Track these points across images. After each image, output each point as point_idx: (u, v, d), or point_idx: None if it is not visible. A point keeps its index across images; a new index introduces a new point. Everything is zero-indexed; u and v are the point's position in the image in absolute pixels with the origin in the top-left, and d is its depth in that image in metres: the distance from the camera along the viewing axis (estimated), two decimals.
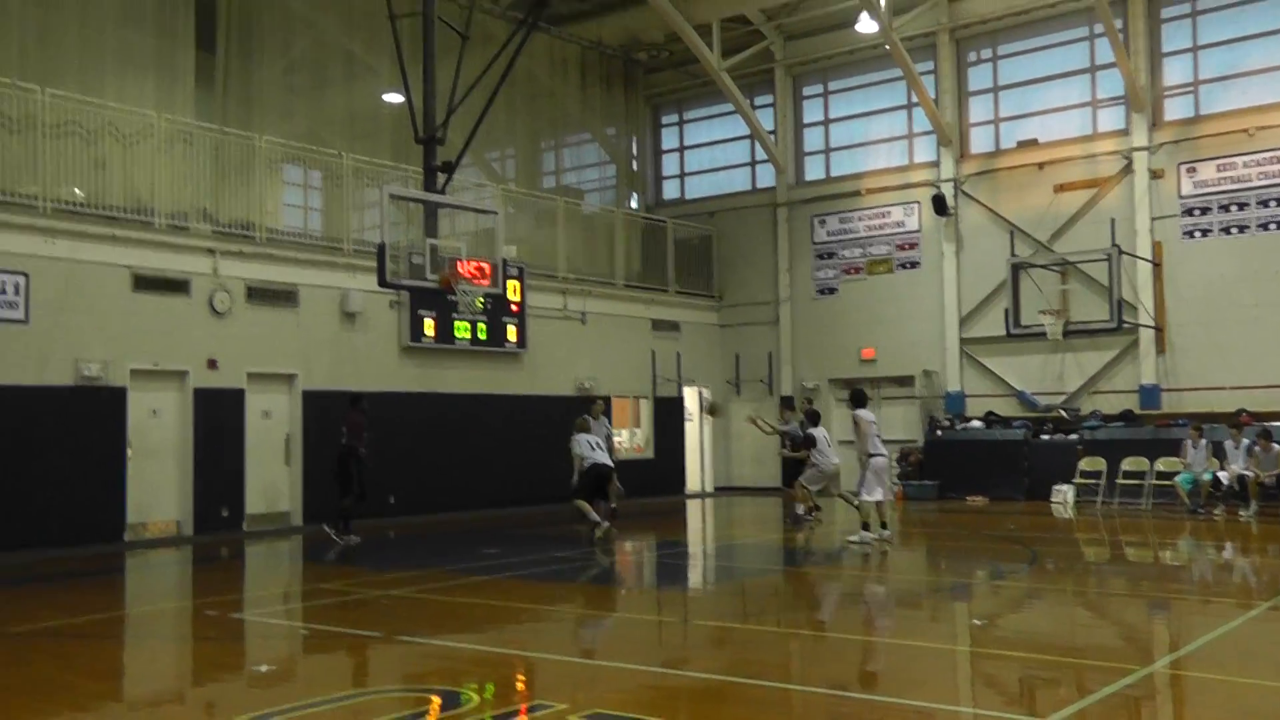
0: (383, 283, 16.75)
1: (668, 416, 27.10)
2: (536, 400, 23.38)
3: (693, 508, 24.97)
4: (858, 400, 17.09)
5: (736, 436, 28.67)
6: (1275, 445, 19.89)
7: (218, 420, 18.72)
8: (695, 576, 14.94)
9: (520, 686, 7.96)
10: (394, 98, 22.55)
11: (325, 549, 16.36)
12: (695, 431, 28.35)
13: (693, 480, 28.05)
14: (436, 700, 7.19)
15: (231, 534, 18.48)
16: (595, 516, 17.01)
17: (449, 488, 21.61)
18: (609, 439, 18.66)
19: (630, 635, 10.18)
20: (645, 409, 26.46)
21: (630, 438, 26.28)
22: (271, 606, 12.18)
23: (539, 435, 22.57)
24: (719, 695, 7.53)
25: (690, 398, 28.04)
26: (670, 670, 8.42)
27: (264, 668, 8.98)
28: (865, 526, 15.91)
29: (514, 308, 22.88)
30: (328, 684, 8.10)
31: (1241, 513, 19.76)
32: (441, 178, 19.28)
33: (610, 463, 17.96)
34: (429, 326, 21.50)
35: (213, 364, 18.73)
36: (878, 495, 16.17)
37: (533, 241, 24.63)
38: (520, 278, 22.87)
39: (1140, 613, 11.63)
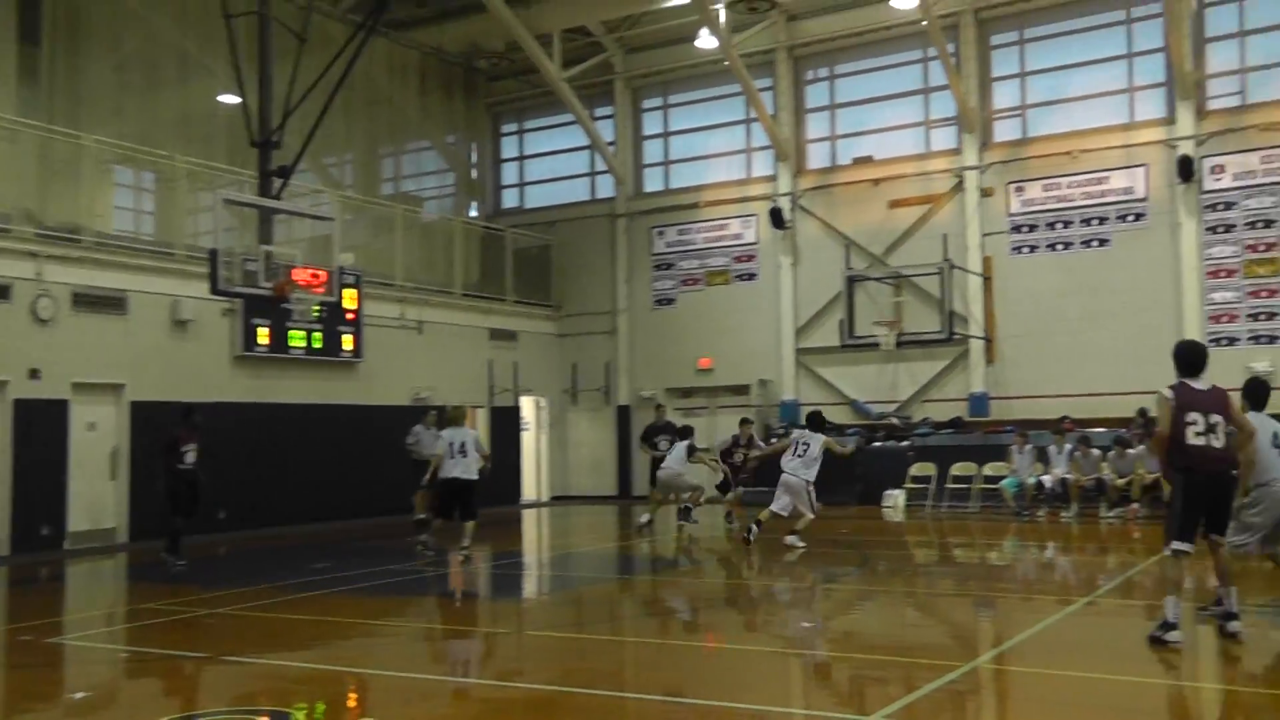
0: (215, 290, 16.36)
1: (505, 426, 26.97)
2: (372, 410, 22.98)
3: (529, 517, 24.90)
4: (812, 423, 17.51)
5: (573, 446, 28.72)
6: (1095, 450, 20.79)
7: (39, 433, 17.95)
8: (530, 587, 14.90)
9: (350, 704, 7.82)
10: (230, 99, 21.93)
11: (153, 568, 15.81)
12: (532, 441, 28.32)
13: (529, 490, 28.01)
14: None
15: (52, 553, 17.71)
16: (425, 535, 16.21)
17: (282, 501, 21.06)
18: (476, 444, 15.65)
19: (463, 648, 10.10)
20: (482, 419, 26.27)
21: None
22: (91, 629, 11.66)
23: (375, 446, 22.23)
24: (551, 706, 7.51)
25: (527, 407, 27.99)
26: (503, 682, 8.38)
27: (80, 695, 8.61)
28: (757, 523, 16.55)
29: (350, 316, 22.49)
30: (149, 709, 7.77)
31: (1063, 515, 20.59)
32: (277, 183, 18.91)
33: (470, 475, 15.43)
34: (263, 335, 20.93)
35: (35, 374, 17.98)
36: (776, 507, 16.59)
37: (370, 249, 24.29)
38: (357, 286, 22.50)
39: (966, 611, 12.02)
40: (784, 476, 16.63)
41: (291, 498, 21.24)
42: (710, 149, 28.35)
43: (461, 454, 15.29)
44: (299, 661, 9.21)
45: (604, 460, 28.39)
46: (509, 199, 31.28)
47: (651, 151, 29.29)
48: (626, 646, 9.99)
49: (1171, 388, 9.06)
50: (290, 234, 21.33)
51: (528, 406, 28.11)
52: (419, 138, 29.61)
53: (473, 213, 30.32)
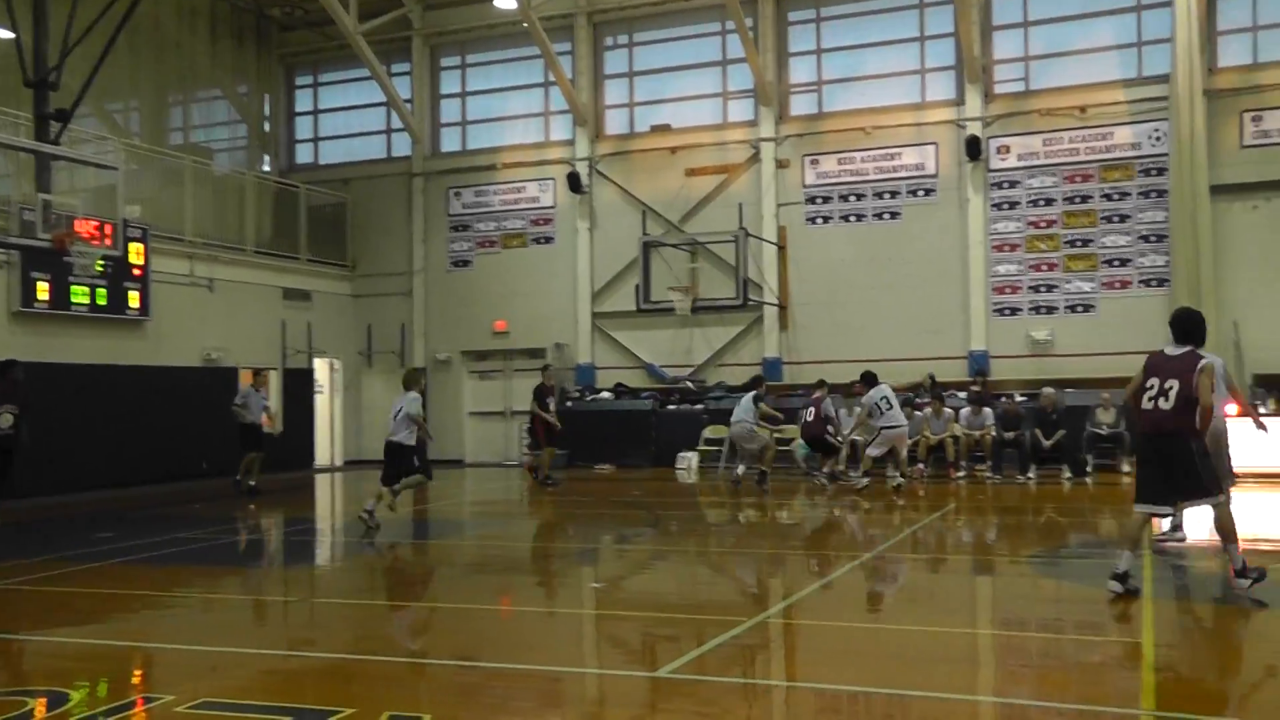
0: None
1: (298, 388, 26.40)
2: (162, 371, 22.17)
3: (323, 482, 24.53)
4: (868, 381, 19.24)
5: (368, 409, 28.34)
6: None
7: None
8: (323, 553, 14.71)
9: (135, 680, 7.61)
10: (1, 33, 20.74)
11: None
12: (326, 404, 27.83)
13: (322, 454, 27.51)
14: (41, 701, 6.75)
15: None
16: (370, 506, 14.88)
17: (65, 468, 19.88)
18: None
19: (253, 618, 9.93)
20: (275, 381, 25.64)
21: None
22: None
23: (164, 409, 21.51)
24: (343, 674, 7.47)
25: (321, 369, 27.48)
26: (294, 652, 8.28)
27: None
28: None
29: (136, 272, 21.62)
30: None
31: (853, 475, 21.27)
32: (55, 127, 18.05)
33: (397, 439, 15.04)
34: (42, 290, 19.82)
35: None
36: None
37: (158, 202, 23.28)
38: (144, 240, 21.65)
39: (756, 568, 12.40)
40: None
41: (76, 464, 20.12)
42: (508, 111, 28.20)
43: (394, 419, 15.16)
44: (79, 638, 8.85)
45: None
46: (303, 154, 30.53)
47: (449, 111, 28.98)
48: (419, 612, 9.99)
49: (1149, 356, 9.61)
50: (72, 183, 20.40)
51: (322, 369, 27.58)
52: (209, 86, 28.52)
53: (266, 167, 29.51)
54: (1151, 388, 9.23)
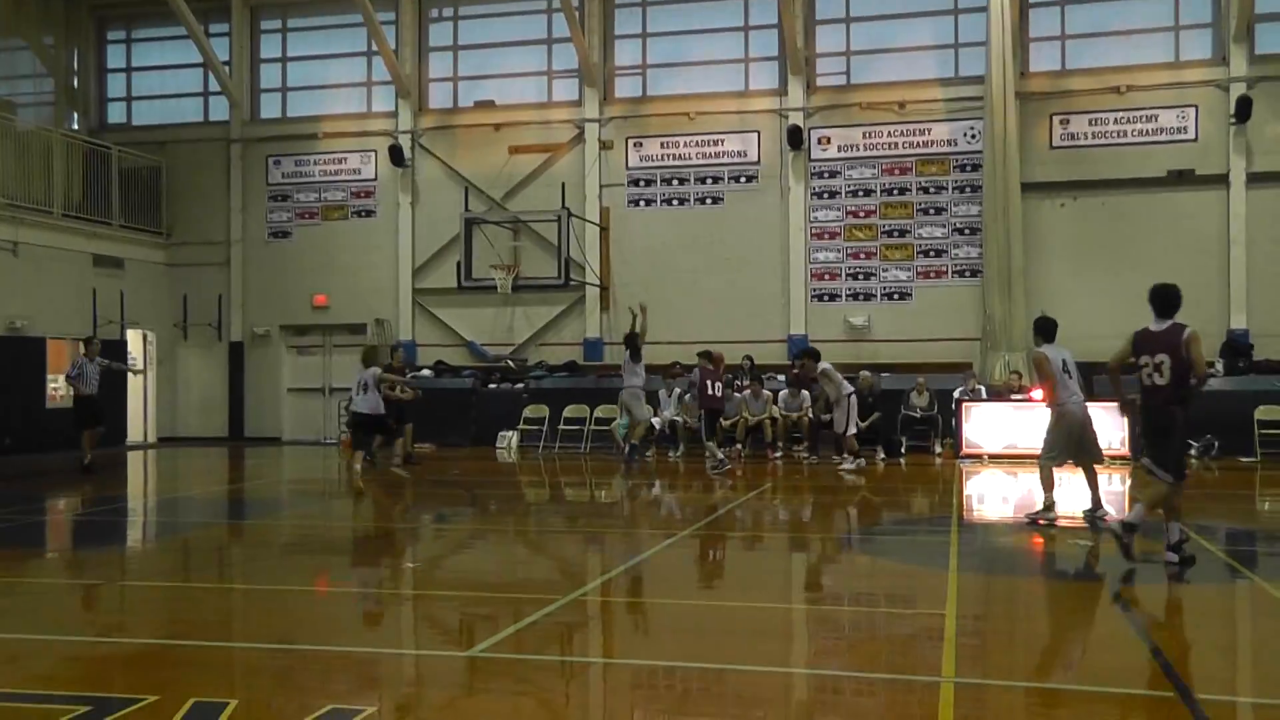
0: None
1: (111, 361, 25.37)
2: None
3: (134, 460, 23.73)
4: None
5: (183, 384, 27.54)
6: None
7: None
8: (133, 534, 14.24)
9: None
10: None
11: None
12: (138, 379, 26.85)
13: (135, 431, 26.53)
14: None
15: None
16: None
17: None
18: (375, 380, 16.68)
19: (58, 603, 9.57)
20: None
21: (66, 384, 24.41)
22: None
23: None
24: (148, 661, 7.28)
25: (134, 341, 26.50)
26: (101, 639, 8.03)
27: None
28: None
29: None
30: None
31: (671, 454, 21.64)
32: None
33: (365, 410, 16.83)
34: None
35: None
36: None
37: None
38: None
39: (573, 546, 12.52)
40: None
41: None
42: (330, 79, 27.68)
43: (363, 391, 16.65)
44: None
45: (215, 400, 27.39)
46: (115, 113, 29.37)
47: (269, 76, 28.25)
48: (234, 594, 9.78)
49: (1135, 333, 10.04)
50: None
51: (135, 340, 26.56)
52: (10, 35, 27.15)
53: (74, 126, 28.29)
54: (1145, 365, 9.78)
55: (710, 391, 19.14)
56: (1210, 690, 6.39)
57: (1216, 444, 20.51)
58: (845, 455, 19.28)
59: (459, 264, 24.44)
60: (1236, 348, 22.30)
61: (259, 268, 27.58)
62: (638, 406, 20.01)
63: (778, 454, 21.39)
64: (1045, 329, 12.99)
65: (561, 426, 23.38)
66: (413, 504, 16.06)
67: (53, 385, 23.14)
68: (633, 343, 19.91)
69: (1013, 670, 7.12)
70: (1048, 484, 12.51)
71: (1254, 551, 12.00)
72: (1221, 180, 22.87)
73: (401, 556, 11.88)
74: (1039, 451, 12.84)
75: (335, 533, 13.92)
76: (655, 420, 22.10)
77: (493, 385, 24.93)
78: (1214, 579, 9.98)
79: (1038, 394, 20.98)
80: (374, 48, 26.47)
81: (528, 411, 23.93)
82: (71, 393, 19.69)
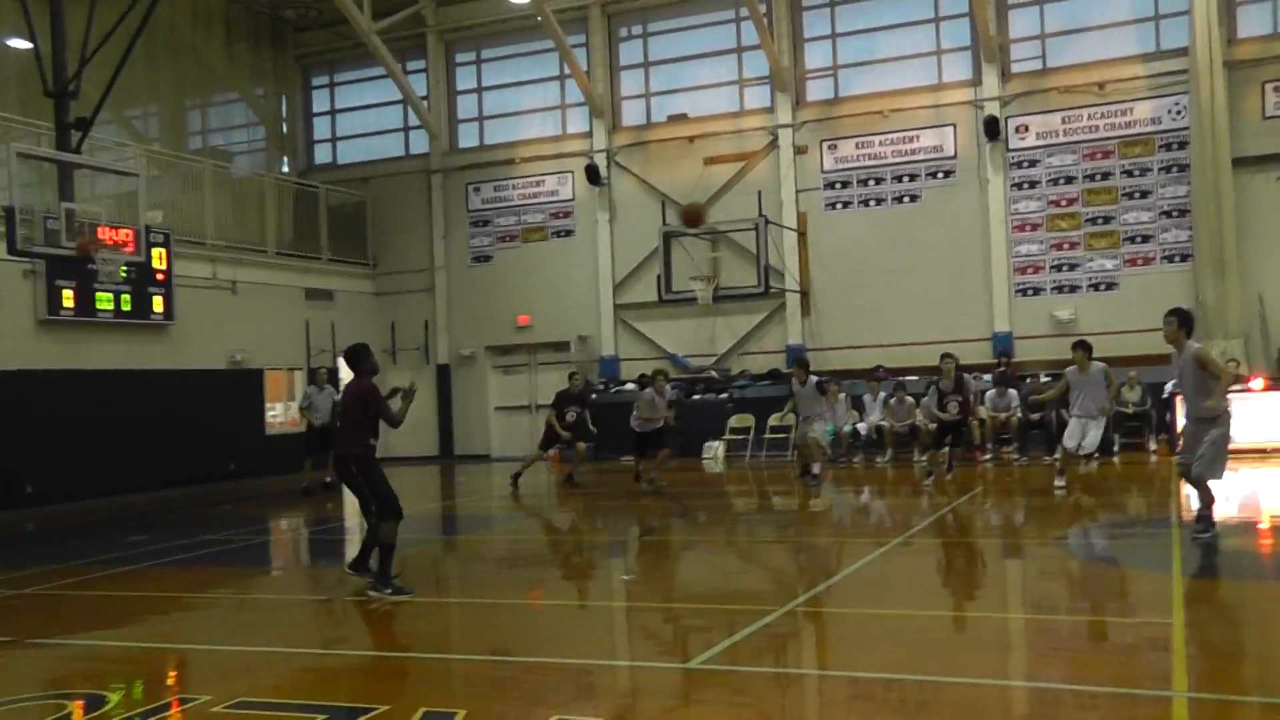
0: (13, 250, 15.64)
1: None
2: (187, 375, 22.13)
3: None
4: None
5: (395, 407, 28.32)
6: (909, 398, 21.52)
7: None
8: (352, 552, 14.70)
9: (170, 681, 7.66)
10: (20, 44, 20.72)
11: None
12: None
13: None
14: (79, 704, 6.81)
15: None
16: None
17: (93, 473, 19.69)
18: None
19: (286, 618, 9.96)
20: (300, 381, 25.69)
21: (285, 411, 25.47)
22: None
23: (190, 412, 21.53)
24: (375, 672, 7.51)
25: (345, 369, 27.38)
26: (328, 650, 8.32)
27: None
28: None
29: (160, 276, 21.59)
30: None
31: (878, 460, 21.32)
32: (76, 135, 18.13)
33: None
34: (68, 298, 19.69)
35: None
36: None
37: (179, 206, 23.34)
38: (166, 245, 21.63)
39: (785, 556, 12.40)
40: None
41: (103, 469, 19.98)
42: (525, 105, 28.21)
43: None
44: (114, 640, 8.93)
45: (425, 420, 28.12)
46: (321, 154, 30.61)
47: (465, 106, 28.99)
48: (450, 608, 10.02)
49: None
50: (94, 190, 20.44)
51: (346, 368, 27.50)
52: (227, 89, 28.63)
53: (284, 169, 29.59)
54: None
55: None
56: None
57: None
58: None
59: (659, 277, 24.57)
60: None
61: (462, 291, 28.29)
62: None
63: (987, 456, 20.84)
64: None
65: (767, 435, 23.24)
66: (621, 516, 16.18)
67: (271, 413, 24.15)
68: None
69: (1245, 683, 6.73)
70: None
71: None
72: None
73: (612, 568, 11.98)
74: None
75: (547, 544, 14.13)
76: (861, 426, 21.87)
77: (696, 396, 24.97)
78: None
79: (1257, 384, 20.02)
80: (566, 70, 26.91)
81: (733, 421, 23.88)
82: (304, 422, 20.53)
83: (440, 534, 15.75)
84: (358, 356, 10.83)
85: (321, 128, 30.69)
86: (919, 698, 6.49)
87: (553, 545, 14.31)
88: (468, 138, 28.88)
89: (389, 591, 9.64)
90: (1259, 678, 6.80)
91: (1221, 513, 12.78)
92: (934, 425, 18.29)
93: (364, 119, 30.08)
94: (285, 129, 30.15)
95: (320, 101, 30.70)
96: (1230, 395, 11.44)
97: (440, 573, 12.47)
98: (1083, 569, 10.60)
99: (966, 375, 18.35)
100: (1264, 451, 19.02)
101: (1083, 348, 15.37)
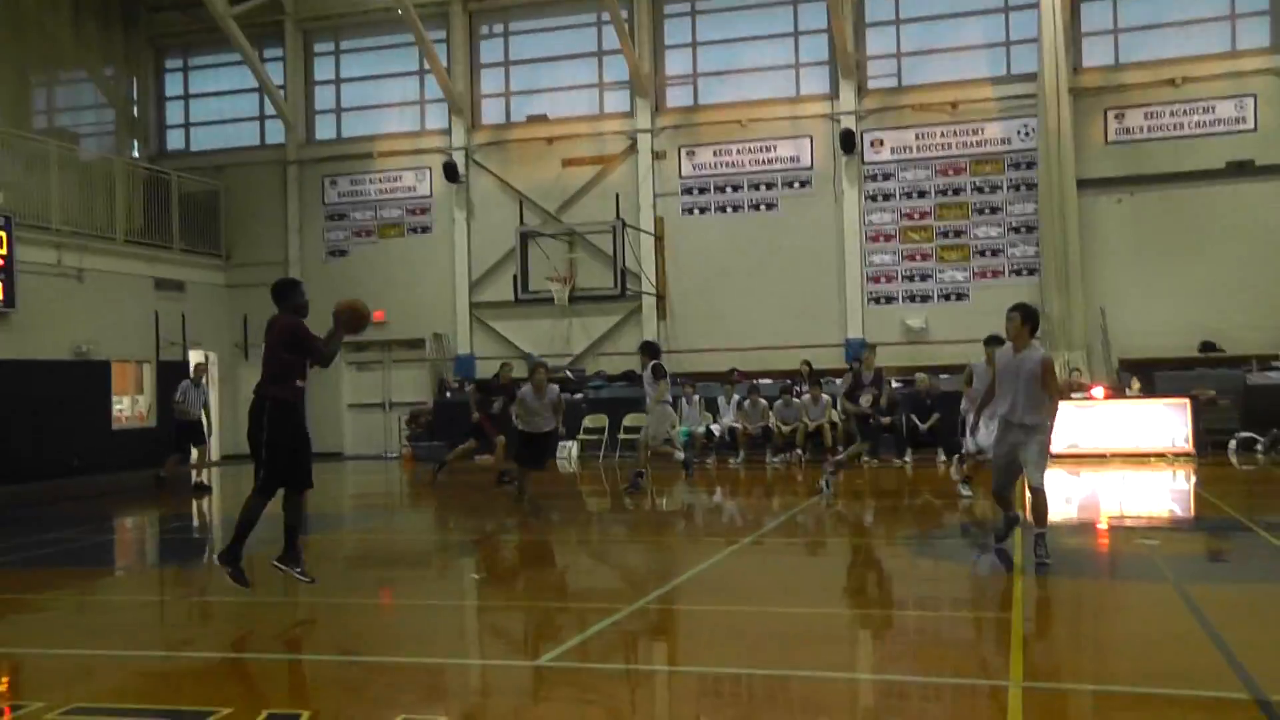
0: None
1: (172, 382, 25.61)
2: (28, 365, 21.34)
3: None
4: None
5: (245, 403, 27.72)
6: (762, 400, 21.94)
7: None
8: (201, 552, 14.44)
9: (1, 688, 7.41)
10: None
11: None
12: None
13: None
14: None
15: None
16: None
17: None
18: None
19: (129, 620, 9.71)
20: (148, 374, 25.02)
21: (132, 405, 24.78)
22: None
23: (31, 404, 20.78)
24: (219, 674, 7.40)
25: (196, 362, 26.72)
26: (172, 653, 8.15)
27: None
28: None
29: (0, 262, 20.95)
30: None
31: (731, 461, 21.66)
32: None
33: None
34: None
35: None
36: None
37: (22, 189, 22.49)
38: (7, 228, 20.90)
39: (637, 555, 12.52)
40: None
41: None
42: (384, 99, 27.96)
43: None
44: None
45: None
46: (174, 140, 29.85)
47: (323, 98, 28.59)
48: (299, 609, 9.88)
49: None
50: None
51: (196, 361, 26.82)
52: (74, 68, 27.63)
53: (135, 154, 28.77)
54: None
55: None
56: None
57: None
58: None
59: (515, 277, 24.58)
60: None
61: (317, 286, 27.48)
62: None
63: (839, 458, 21.26)
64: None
65: (621, 435, 23.40)
66: (473, 516, 16.14)
67: (118, 408, 23.51)
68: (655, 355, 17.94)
69: (1080, 673, 7.05)
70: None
71: None
72: None
73: (463, 567, 11.96)
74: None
75: (398, 546, 14.02)
76: (715, 427, 22.20)
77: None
78: None
79: (1098, 392, 20.91)
80: (426, 66, 26.70)
81: (587, 421, 23.99)
82: (176, 416, 20.01)
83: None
84: (286, 290, 9.88)
85: (174, 113, 29.90)
86: (767, 693, 6.65)
87: (404, 544, 14.20)
88: (325, 130, 28.49)
89: (229, 571, 9.36)
90: (1091, 668, 7.14)
91: (1062, 514, 13.35)
92: (845, 418, 18.40)
93: (219, 105, 29.41)
94: (136, 112, 29.31)
95: (173, 85, 29.90)
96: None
97: (287, 576, 12.25)
98: (928, 567, 10.92)
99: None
100: (1103, 456, 19.87)
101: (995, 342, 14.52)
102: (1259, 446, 20.49)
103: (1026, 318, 10.15)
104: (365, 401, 27.66)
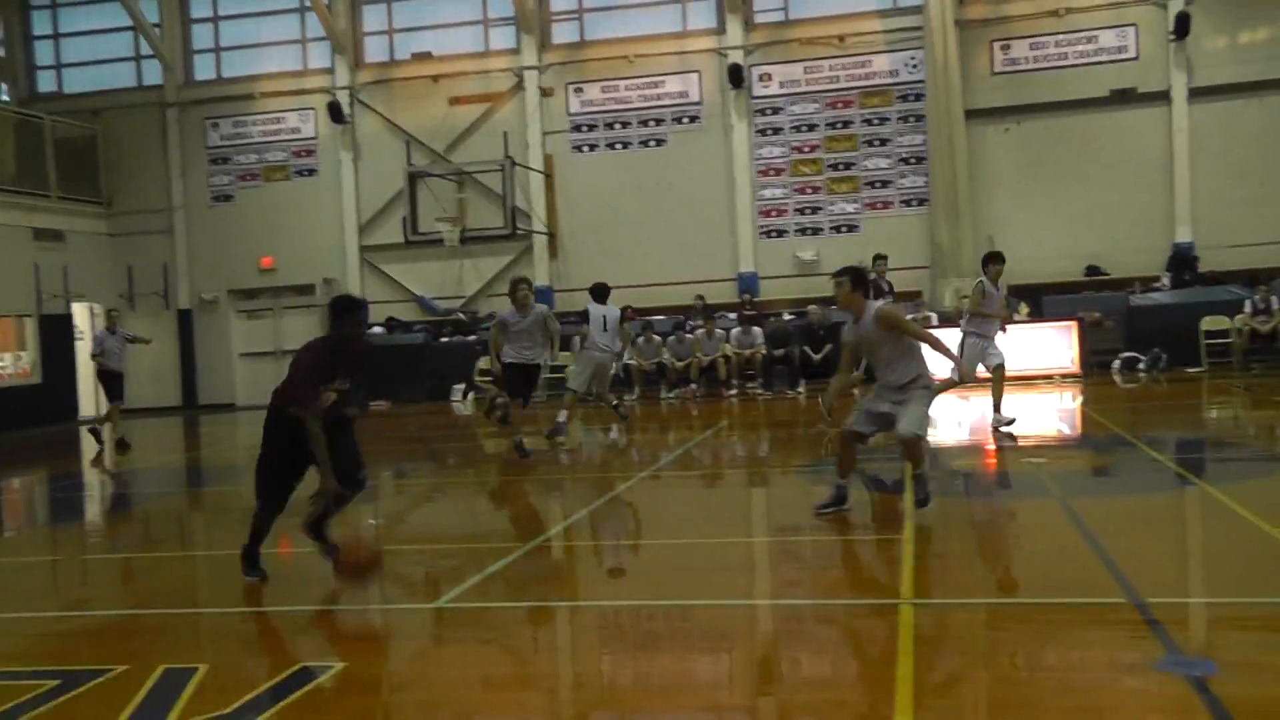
0: None
1: (56, 336, 25.05)
2: None
3: (87, 435, 23.43)
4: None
5: (132, 354, 27.14)
6: (656, 337, 22.04)
7: None
8: (94, 508, 14.18)
9: None
10: None
11: None
12: (87, 352, 26.45)
13: (86, 404, 26.05)
14: None
15: None
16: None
17: None
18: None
19: (22, 581, 9.51)
20: (30, 329, 24.31)
21: (15, 362, 24.06)
22: None
23: None
24: (115, 632, 7.29)
25: (80, 314, 26.09)
26: (68, 613, 8.02)
27: None
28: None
29: None
30: None
31: (626, 398, 21.70)
32: None
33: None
34: None
35: None
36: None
37: None
38: None
39: (534, 495, 12.52)
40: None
41: None
42: (264, 37, 27.25)
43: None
44: None
45: (166, 369, 27.09)
46: (45, 81, 28.77)
47: (201, 36, 27.75)
48: (196, 562, 9.77)
49: None
50: None
51: (81, 313, 26.13)
52: None
53: (3, 96, 27.74)
54: None
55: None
56: (1158, 593, 6.58)
57: (1164, 356, 20.91)
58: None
59: (404, 219, 24.31)
60: (1182, 260, 22.63)
61: (203, 233, 27.27)
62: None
63: (733, 391, 21.52)
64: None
65: None
66: (370, 462, 15.99)
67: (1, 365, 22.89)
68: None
69: (969, 588, 7.26)
70: None
71: (1203, 459, 12.26)
72: (1163, 97, 23.04)
73: (359, 513, 11.88)
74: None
75: (297, 495, 13.85)
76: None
77: (445, 339, 24.85)
78: (1165, 487, 10.22)
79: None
80: (307, 3, 26.09)
81: (481, 364, 23.86)
82: (95, 368, 19.28)
83: (185, 487, 15.28)
84: (338, 309, 7.85)
85: (44, 53, 28.79)
86: (668, 624, 6.73)
87: (298, 494, 14.04)
88: (204, 70, 27.73)
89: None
90: (979, 583, 7.40)
91: (953, 437, 13.63)
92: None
93: (91, 45, 28.36)
94: (3, 52, 28.22)
95: (41, 24, 28.70)
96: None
97: (185, 526, 12.12)
98: (822, 495, 11.08)
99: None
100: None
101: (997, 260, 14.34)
102: (1141, 365, 21.10)
103: (856, 282, 8.91)
104: (256, 350, 27.18)
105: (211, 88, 27.41)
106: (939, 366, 9.79)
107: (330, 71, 26.47)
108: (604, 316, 15.72)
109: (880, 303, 8.79)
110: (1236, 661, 5.43)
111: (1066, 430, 15.65)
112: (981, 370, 13.81)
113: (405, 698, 5.76)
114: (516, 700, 5.61)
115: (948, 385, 12.75)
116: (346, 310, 7.75)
